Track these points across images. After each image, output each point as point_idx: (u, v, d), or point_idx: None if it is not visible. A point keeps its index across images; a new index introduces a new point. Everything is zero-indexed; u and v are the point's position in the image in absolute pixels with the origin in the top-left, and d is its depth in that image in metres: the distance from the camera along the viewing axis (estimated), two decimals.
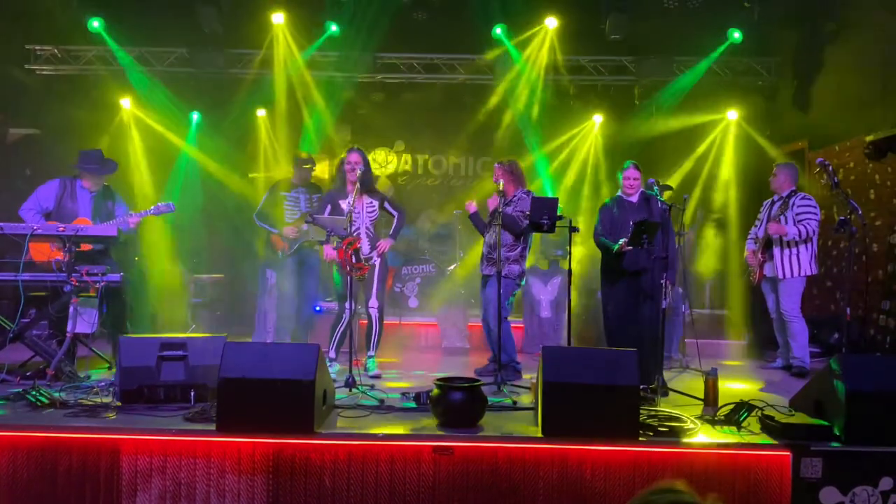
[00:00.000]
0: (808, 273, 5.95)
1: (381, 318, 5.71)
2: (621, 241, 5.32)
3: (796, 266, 5.94)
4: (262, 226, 6.47)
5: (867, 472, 3.54)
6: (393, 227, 5.82)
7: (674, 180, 8.90)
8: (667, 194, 5.74)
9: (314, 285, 6.77)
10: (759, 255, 6.14)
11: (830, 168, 5.20)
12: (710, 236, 8.07)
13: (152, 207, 5.76)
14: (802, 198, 5.98)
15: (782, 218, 5.94)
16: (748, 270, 6.40)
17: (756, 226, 6.39)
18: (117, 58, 8.54)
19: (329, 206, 5.69)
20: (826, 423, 3.74)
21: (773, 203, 6.21)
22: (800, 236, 5.86)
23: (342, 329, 5.54)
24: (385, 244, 5.68)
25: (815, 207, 5.94)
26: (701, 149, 9.07)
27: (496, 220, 5.41)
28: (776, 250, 6.00)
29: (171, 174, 8.85)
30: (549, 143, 9.37)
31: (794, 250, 5.94)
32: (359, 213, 5.57)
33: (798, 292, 6.00)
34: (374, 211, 5.69)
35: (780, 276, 5.96)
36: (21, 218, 5.53)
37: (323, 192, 6.72)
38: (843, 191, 5.41)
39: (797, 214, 5.92)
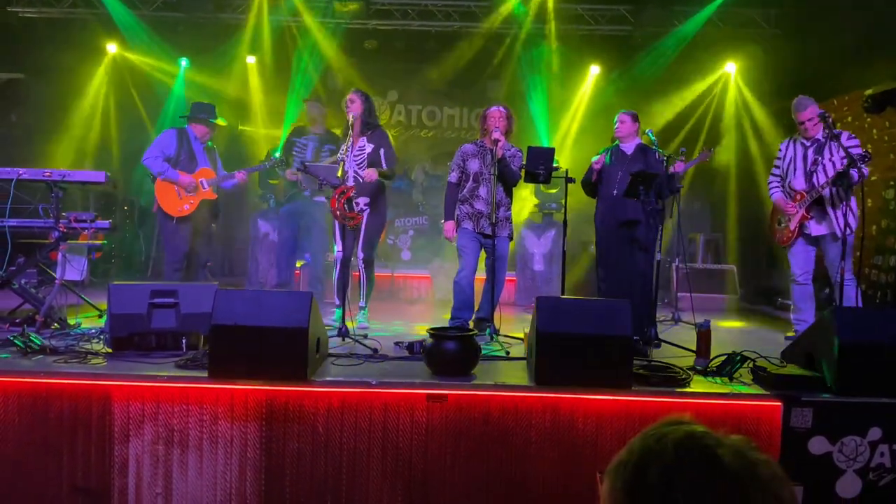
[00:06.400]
0: (858, 225, 5.24)
1: (368, 270, 5.57)
2: (597, 159, 5.35)
3: (851, 219, 5.12)
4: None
5: (856, 422, 3.57)
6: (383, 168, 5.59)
7: (672, 132, 8.83)
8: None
9: (321, 237, 6.63)
10: (803, 211, 5.37)
11: (830, 120, 5.12)
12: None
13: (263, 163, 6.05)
14: (849, 137, 5.19)
15: (826, 164, 5.26)
16: (779, 224, 5.60)
17: (775, 174, 5.66)
18: (103, 1, 8.29)
19: (328, 150, 5.54)
20: (817, 375, 3.76)
21: (804, 147, 5.43)
22: (859, 179, 5.05)
23: (337, 277, 5.47)
24: (370, 174, 5.37)
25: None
26: (699, 100, 8.98)
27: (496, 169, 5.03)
28: (829, 207, 5.27)
29: (159, 120, 8.68)
30: (545, 94, 9.23)
31: (847, 203, 5.13)
32: (349, 154, 5.34)
33: (852, 250, 5.25)
34: (361, 154, 5.47)
35: (840, 233, 5.13)
36: (147, 167, 5.61)
37: (338, 144, 6.60)
38: (841, 143, 5.34)
39: (846, 157, 5.04)
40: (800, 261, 5.51)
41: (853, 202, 5.20)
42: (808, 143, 5.42)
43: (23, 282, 5.23)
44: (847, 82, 7.43)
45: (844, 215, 5.03)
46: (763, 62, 8.50)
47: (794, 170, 5.46)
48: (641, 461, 1.04)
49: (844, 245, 5.05)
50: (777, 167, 5.65)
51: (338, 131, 6.45)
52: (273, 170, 6.28)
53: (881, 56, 6.78)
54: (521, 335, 4.80)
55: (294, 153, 6.26)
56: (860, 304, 5.20)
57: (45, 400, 3.58)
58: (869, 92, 6.81)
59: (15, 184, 4.86)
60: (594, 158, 5.52)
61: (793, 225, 5.43)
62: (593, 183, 5.55)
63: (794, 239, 5.47)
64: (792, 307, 5.65)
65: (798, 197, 5.41)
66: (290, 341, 3.61)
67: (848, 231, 5.05)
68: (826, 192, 5.23)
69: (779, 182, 5.62)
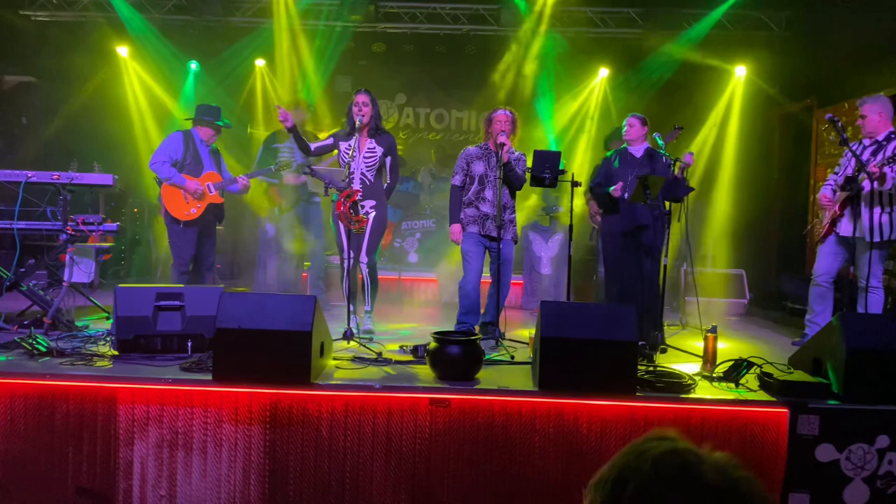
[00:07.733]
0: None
1: (372, 274, 5.44)
2: (616, 186, 5.27)
3: (888, 228, 4.90)
4: (261, 178, 6.37)
5: (864, 429, 3.54)
6: (385, 188, 5.56)
7: (681, 136, 8.76)
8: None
9: (320, 238, 6.67)
10: (836, 208, 5.13)
11: (840, 124, 5.06)
12: None
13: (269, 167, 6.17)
14: None
15: (872, 162, 4.91)
16: (816, 222, 5.42)
17: (836, 172, 5.37)
18: (113, 4, 8.34)
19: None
20: (825, 381, 3.73)
21: (864, 147, 5.16)
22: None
23: (344, 280, 5.42)
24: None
25: None
26: (708, 104, 8.92)
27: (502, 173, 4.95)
28: (864, 208, 4.93)
29: (168, 124, 8.72)
30: (554, 97, 9.20)
31: (892, 208, 4.91)
32: (356, 156, 5.29)
33: (884, 258, 5.07)
34: (372, 157, 5.35)
35: (869, 238, 4.89)
36: (154, 172, 5.61)
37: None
38: (852, 148, 5.28)
39: (891, 158, 4.75)
40: (824, 261, 5.29)
41: None
42: (867, 143, 5.18)
43: (31, 284, 5.26)
44: (859, 85, 7.35)
45: (879, 219, 4.88)
46: (773, 65, 8.44)
47: (846, 168, 5.24)
48: (620, 476, 1.03)
49: (850, 245, 5.01)
50: (839, 164, 5.42)
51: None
52: (276, 174, 6.31)
53: (894, 59, 6.71)
54: (527, 339, 4.79)
55: (283, 159, 6.31)
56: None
57: (51, 402, 3.61)
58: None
59: (24, 186, 4.90)
60: (611, 189, 5.36)
61: (825, 221, 5.27)
62: (608, 196, 5.46)
63: (825, 237, 5.29)
64: (808, 308, 5.47)
65: (837, 195, 5.23)
66: (294, 345, 3.61)
67: (883, 236, 4.88)
68: (866, 189, 4.93)
69: (833, 180, 5.38)
